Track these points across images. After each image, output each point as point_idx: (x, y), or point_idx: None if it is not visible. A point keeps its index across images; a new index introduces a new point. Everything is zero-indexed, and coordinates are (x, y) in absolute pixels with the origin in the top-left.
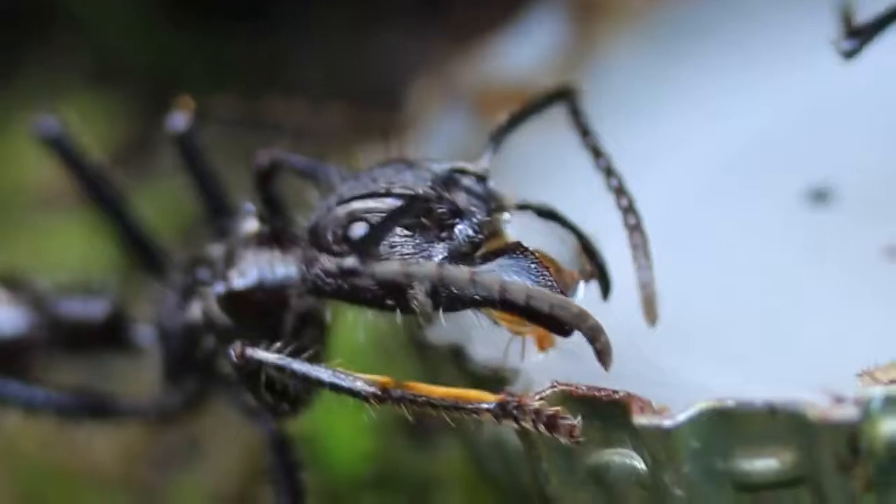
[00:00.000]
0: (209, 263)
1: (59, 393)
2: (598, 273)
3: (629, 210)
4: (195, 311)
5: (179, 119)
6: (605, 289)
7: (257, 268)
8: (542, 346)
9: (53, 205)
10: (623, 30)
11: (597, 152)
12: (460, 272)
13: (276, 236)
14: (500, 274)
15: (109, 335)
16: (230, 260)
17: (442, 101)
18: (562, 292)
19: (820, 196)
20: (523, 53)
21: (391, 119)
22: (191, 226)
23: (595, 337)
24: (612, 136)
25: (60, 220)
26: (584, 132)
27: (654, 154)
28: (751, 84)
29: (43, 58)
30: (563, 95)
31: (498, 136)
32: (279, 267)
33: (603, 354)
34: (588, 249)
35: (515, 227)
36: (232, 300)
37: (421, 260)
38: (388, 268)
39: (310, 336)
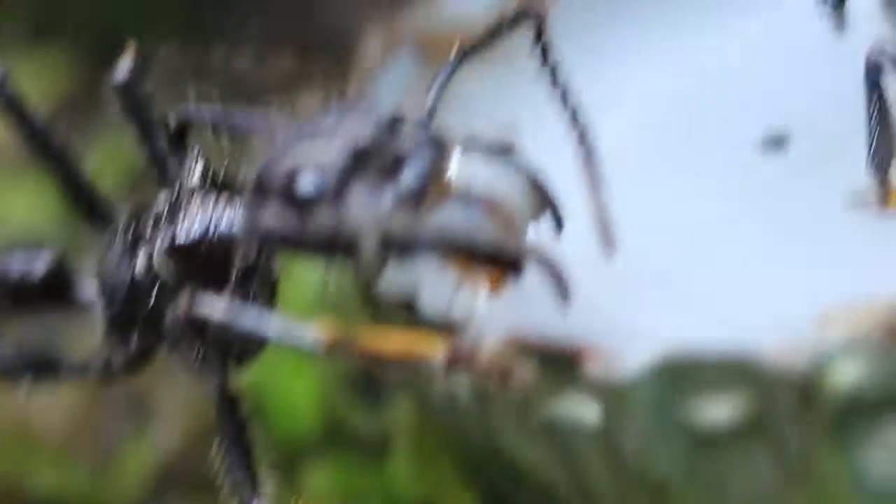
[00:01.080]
0: (154, 215)
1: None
2: (550, 207)
3: (583, 139)
4: (139, 264)
5: (123, 67)
6: (559, 223)
7: (202, 219)
8: (496, 287)
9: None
10: None
11: (555, 79)
12: (403, 222)
13: (221, 186)
14: (446, 219)
15: (51, 291)
16: (175, 211)
17: (389, 47)
18: (513, 232)
19: (776, 142)
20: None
21: (337, 67)
22: (138, 179)
23: (550, 270)
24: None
25: (3, 177)
26: (545, 55)
27: (605, 100)
28: (706, 25)
29: None
30: (523, 20)
31: (447, 71)
32: (225, 218)
33: (561, 287)
34: (537, 183)
35: (462, 168)
36: (176, 252)
37: (363, 210)
38: (328, 221)
39: (257, 289)
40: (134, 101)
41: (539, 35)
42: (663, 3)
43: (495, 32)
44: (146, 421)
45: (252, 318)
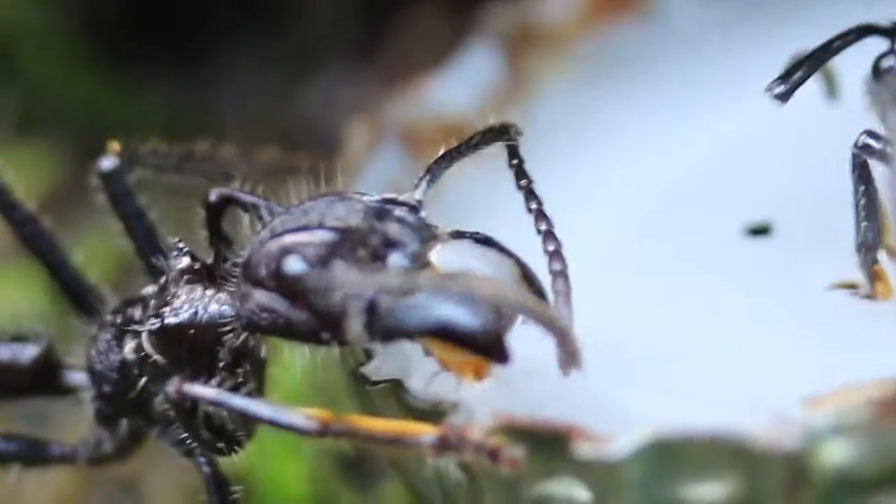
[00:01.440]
0: (142, 302)
1: None
2: (536, 293)
3: (555, 255)
4: (128, 350)
5: (107, 161)
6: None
7: (190, 304)
8: (479, 375)
9: None
10: (555, 63)
11: (529, 195)
12: (389, 305)
13: (208, 272)
14: (432, 304)
15: (39, 380)
16: (162, 297)
17: (373, 141)
18: (500, 317)
19: (760, 231)
20: (455, 91)
21: (322, 160)
22: (122, 271)
23: (564, 338)
24: (549, 169)
25: None
26: (519, 174)
27: (593, 187)
28: (687, 116)
29: None
30: (501, 133)
31: (434, 169)
32: (212, 303)
33: (571, 356)
34: (526, 276)
35: (450, 258)
36: (165, 336)
37: (350, 293)
38: (315, 303)
39: (246, 373)
40: (119, 192)
41: (513, 154)
42: (649, 90)
43: (476, 143)
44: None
45: (243, 400)
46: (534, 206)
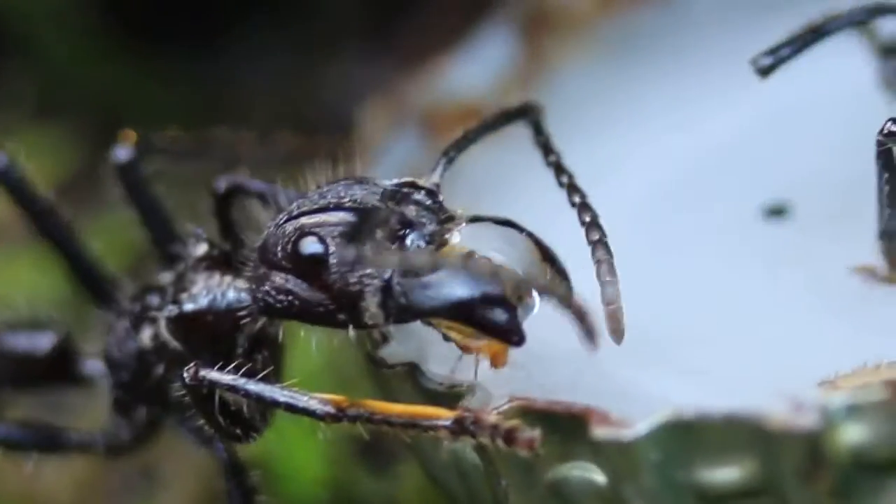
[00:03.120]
0: (159, 289)
1: (6, 426)
2: (563, 279)
3: (592, 225)
4: (146, 337)
5: (122, 151)
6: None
7: (207, 289)
8: (497, 362)
9: (2, 238)
10: (573, 44)
11: (559, 169)
12: (406, 286)
13: (225, 258)
14: (450, 284)
15: (56, 369)
16: (180, 284)
17: (391, 123)
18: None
19: (777, 211)
20: (473, 73)
21: (340, 144)
22: (138, 258)
23: (582, 316)
24: (568, 151)
25: (6, 255)
26: (547, 150)
27: (609, 168)
28: (705, 96)
29: None
30: (525, 113)
31: (451, 152)
32: (229, 288)
33: (590, 333)
34: (548, 257)
35: (468, 240)
36: (183, 323)
37: (366, 274)
38: (332, 285)
39: (263, 358)
40: (134, 182)
41: (538, 130)
42: (668, 72)
43: (496, 123)
44: (154, 490)
45: (259, 385)
46: (565, 179)
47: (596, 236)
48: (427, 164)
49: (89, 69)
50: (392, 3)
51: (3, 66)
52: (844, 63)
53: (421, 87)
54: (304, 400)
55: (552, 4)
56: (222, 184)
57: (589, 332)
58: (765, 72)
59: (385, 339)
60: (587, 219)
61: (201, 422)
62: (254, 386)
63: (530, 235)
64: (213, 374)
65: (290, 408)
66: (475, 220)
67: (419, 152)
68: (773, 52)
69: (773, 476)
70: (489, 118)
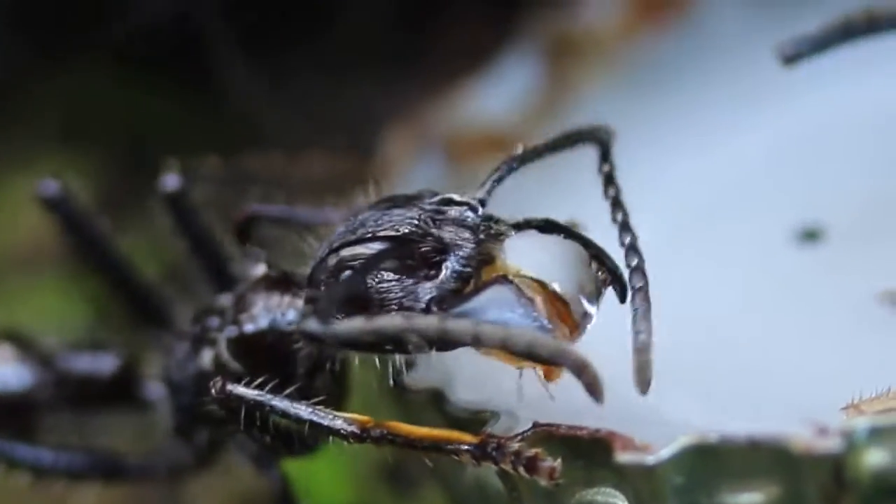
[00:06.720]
0: (219, 311)
1: (66, 454)
2: (613, 277)
3: (638, 271)
4: (206, 359)
5: (171, 179)
6: (622, 293)
7: (267, 311)
8: (551, 376)
9: (28, 267)
10: (598, 69)
11: (616, 204)
12: (429, 323)
13: (284, 278)
14: (476, 315)
15: (118, 391)
16: (240, 305)
17: (416, 147)
18: (548, 320)
19: (809, 236)
20: (497, 98)
21: (367, 166)
22: (168, 280)
23: (580, 371)
24: (591, 176)
25: (31, 284)
26: (608, 181)
27: (637, 193)
28: (732, 118)
29: (15, 117)
30: (593, 137)
31: (503, 168)
32: (288, 310)
33: (592, 388)
34: (598, 256)
35: (518, 248)
36: (243, 344)
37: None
38: (351, 326)
39: (323, 381)
40: (184, 210)
41: (605, 157)
42: (694, 96)
43: (560, 144)
44: None
45: (283, 402)
46: (619, 217)
47: (640, 283)
48: (450, 190)
49: (115, 98)
50: (416, 28)
51: (31, 95)
52: (877, 79)
53: (445, 113)
54: (329, 419)
55: (576, 30)
56: (239, 215)
57: (590, 388)
58: (788, 61)
59: (409, 364)
60: (634, 263)
61: (256, 443)
62: (279, 402)
63: (577, 236)
64: (240, 389)
65: (315, 426)
66: (518, 227)
67: (442, 178)
68: (798, 42)
69: (796, 500)
70: (553, 138)
